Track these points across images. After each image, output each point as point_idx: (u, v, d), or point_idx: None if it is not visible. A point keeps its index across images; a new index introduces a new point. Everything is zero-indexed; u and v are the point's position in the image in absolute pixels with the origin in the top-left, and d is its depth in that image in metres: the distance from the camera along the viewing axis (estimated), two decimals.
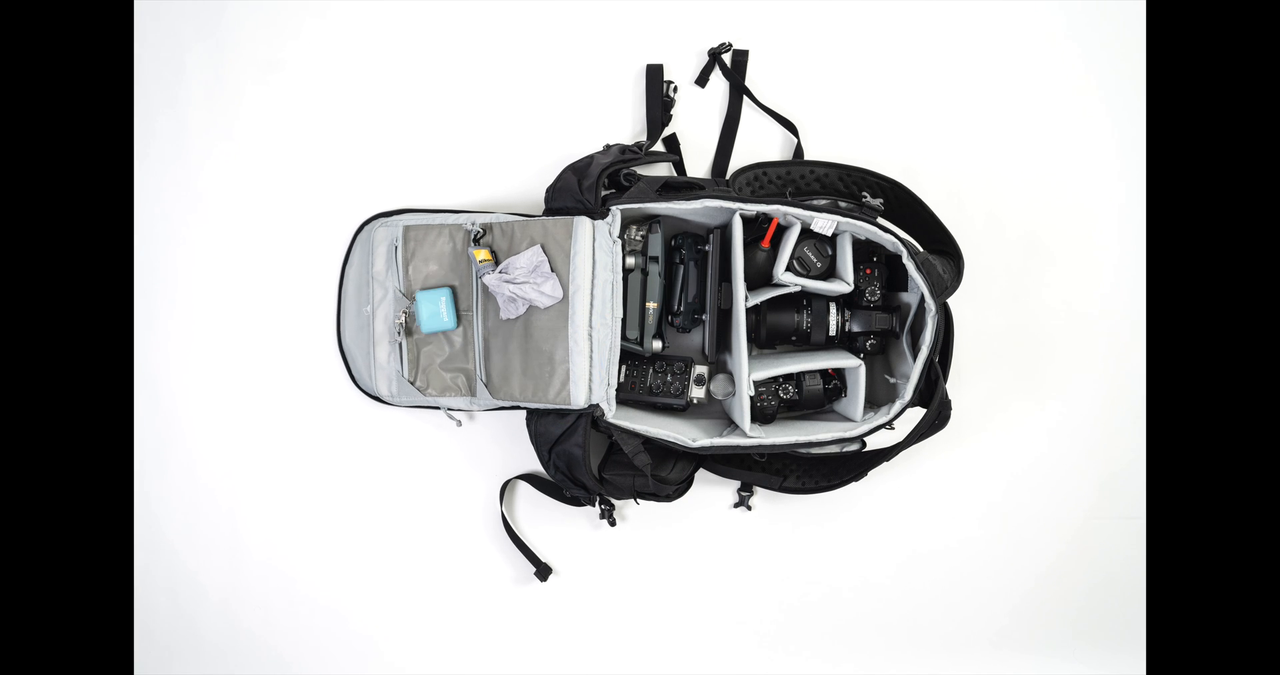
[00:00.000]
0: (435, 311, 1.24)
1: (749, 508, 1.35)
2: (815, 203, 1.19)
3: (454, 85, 1.37)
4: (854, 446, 1.22)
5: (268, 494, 1.42)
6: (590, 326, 1.18)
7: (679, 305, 1.25)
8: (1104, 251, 1.35)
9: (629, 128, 1.36)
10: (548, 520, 1.39)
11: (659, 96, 1.34)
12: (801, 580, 1.39)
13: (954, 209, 1.26)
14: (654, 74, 1.34)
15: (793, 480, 1.29)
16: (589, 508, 1.35)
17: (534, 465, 1.26)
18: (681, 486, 1.26)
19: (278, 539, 1.42)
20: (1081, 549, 1.37)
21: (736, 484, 1.35)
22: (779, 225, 1.21)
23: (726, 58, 1.34)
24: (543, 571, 1.37)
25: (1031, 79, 1.35)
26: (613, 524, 1.30)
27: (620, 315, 1.19)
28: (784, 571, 1.38)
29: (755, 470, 1.30)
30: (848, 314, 1.23)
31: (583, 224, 1.18)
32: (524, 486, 1.37)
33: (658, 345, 1.26)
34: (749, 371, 1.18)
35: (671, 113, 1.35)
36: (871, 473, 1.24)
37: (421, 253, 1.26)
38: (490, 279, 1.18)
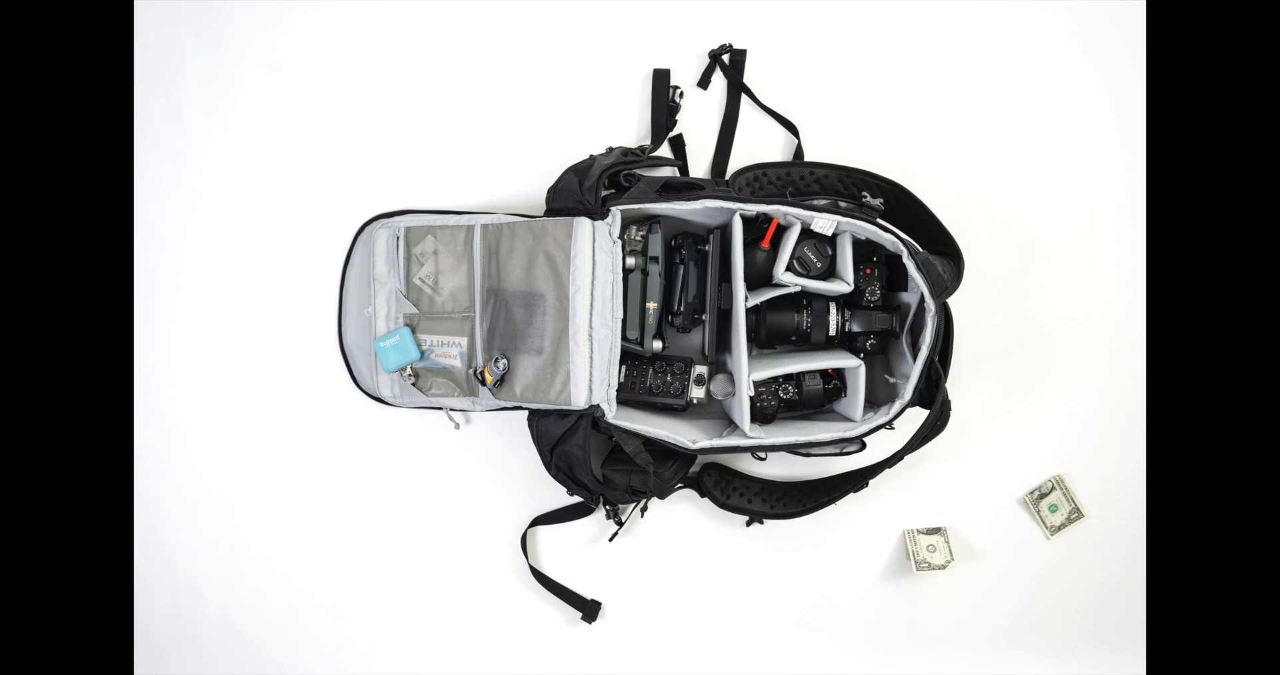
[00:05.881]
0: (402, 347, 1.28)
1: (761, 522, 1.34)
2: (815, 203, 1.20)
3: (456, 86, 1.38)
4: (854, 447, 1.22)
5: (268, 495, 1.42)
6: (590, 327, 1.19)
7: (679, 305, 1.25)
8: (1104, 251, 1.35)
9: (633, 131, 1.36)
10: (561, 545, 1.39)
11: (664, 101, 1.34)
12: (803, 580, 1.39)
13: (954, 209, 1.26)
14: (660, 78, 1.34)
15: (794, 504, 1.31)
16: (589, 519, 1.35)
17: (535, 465, 1.26)
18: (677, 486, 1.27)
19: (278, 541, 1.42)
20: (1081, 549, 1.37)
21: None
22: (779, 225, 1.21)
23: (726, 59, 1.35)
24: (590, 612, 1.37)
25: (1031, 80, 1.35)
26: (620, 524, 1.30)
27: (620, 315, 1.19)
28: (785, 572, 1.38)
29: (756, 505, 1.32)
30: (848, 314, 1.23)
31: (583, 224, 1.18)
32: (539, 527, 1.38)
33: (658, 345, 1.26)
34: (749, 371, 1.18)
35: (676, 118, 1.35)
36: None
37: (423, 254, 1.26)
38: None
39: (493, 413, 1.36)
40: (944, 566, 1.33)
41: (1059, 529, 1.34)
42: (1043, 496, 1.33)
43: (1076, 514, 1.33)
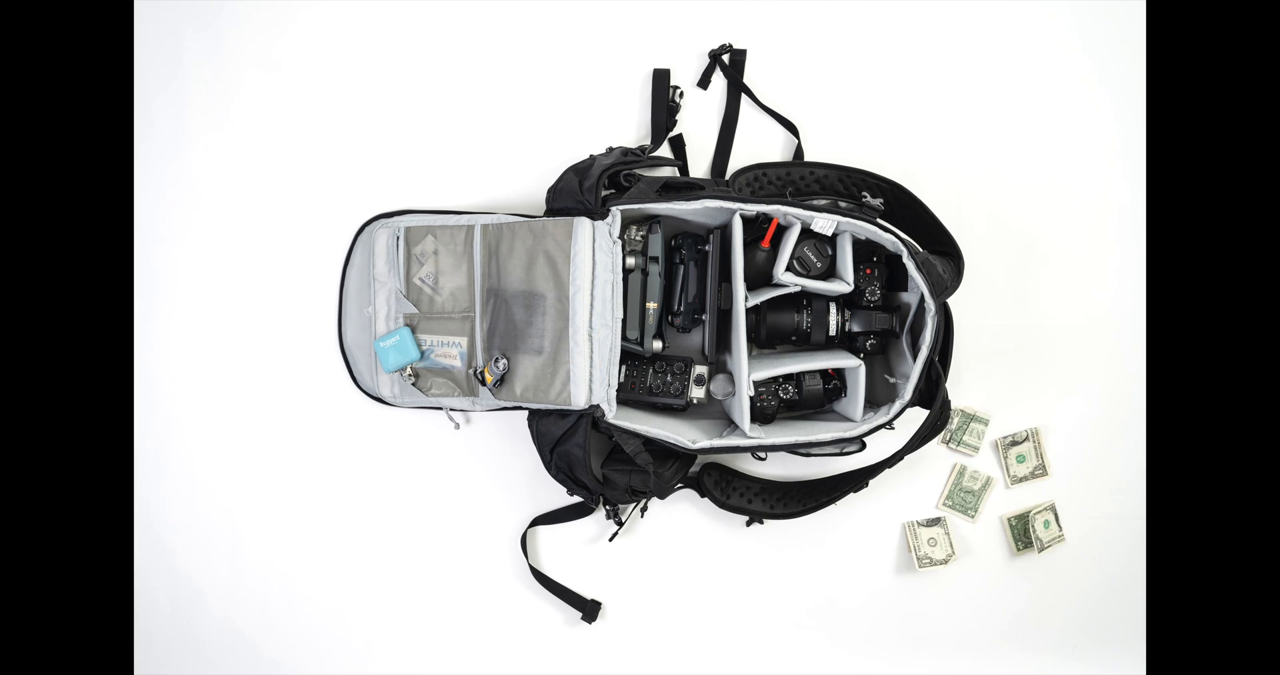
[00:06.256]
0: (402, 347, 1.27)
1: (761, 522, 1.34)
2: (815, 203, 1.20)
3: (456, 86, 1.38)
4: (854, 447, 1.22)
5: (268, 495, 1.42)
6: (590, 327, 1.19)
7: (679, 305, 1.25)
8: (1104, 252, 1.35)
9: (633, 131, 1.36)
10: (561, 545, 1.40)
11: (664, 101, 1.34)
12: (803, 581, 1.39)
13: (954, 209, 1.26)
14: (660, 78, 1.34)
15: (794, 504, 1.31)
16: (589, 519, 1.36)
17: (535, 465, 1.26)
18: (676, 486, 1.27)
19: (278, 541, 1.42)
20: (1081, 549, 1.37)
21: None
22: (779, 225, 1.21)
23: (726, 59, 1.35)
24: (590, 612, 1.36)
25: (1031, 79, 1.35)
26: (620, 524, 1.30)
27: (620, 315, 1.19)
28: (785, 572, 1.38)
29: (756, 505, 1.32)
30: (848, 314, 1.23)
31: (583, 224, 1.18)
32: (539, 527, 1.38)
33: (658, 345, 1.26)
34: (749, 371, 1.18)
35: (676, 118, 1.35)
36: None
37: (423, 254, 1.26)
38: None
39: (493, 413, 1.36)
40: (945, 561, 1.33)
41: (1020, 480, 1.34)
42: (1015, 444, 1.33)
43: (1041, 471, 1.33)
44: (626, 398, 1.24)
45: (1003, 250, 1.35)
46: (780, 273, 1.19)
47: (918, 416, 1.18)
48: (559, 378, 1.19)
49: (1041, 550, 1.34)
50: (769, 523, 1.34)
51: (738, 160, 1.35)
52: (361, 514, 1.41)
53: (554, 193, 1.23)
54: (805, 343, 1.26)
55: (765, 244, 1.23)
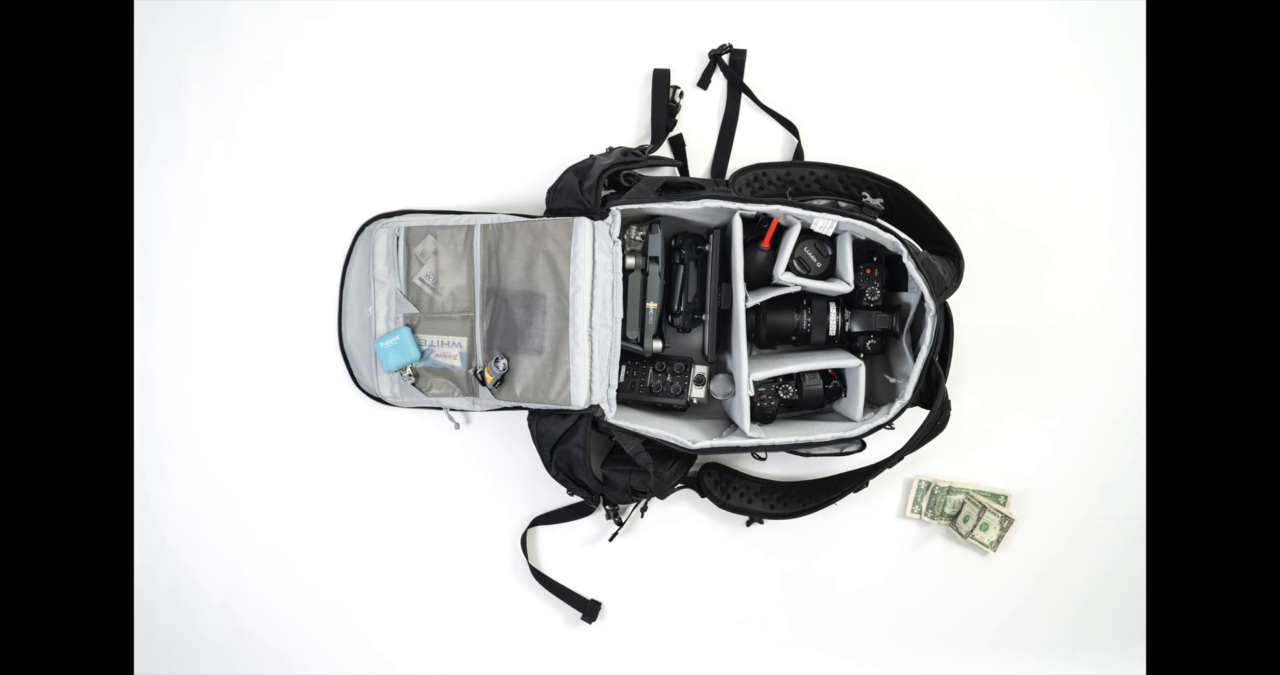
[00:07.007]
0: (402, 347, 1.27)
1: (761, 522, 1.34)
2: (815, 203, 1.20)
3: (456, 86, 1.38)
4: (854, 447, 1.22)
5: (268, 495, 1.42)
6: (590, 327, 1.19)
7: (679, 305, 1.25)
8: (1104, 251, 1.35)
9: (633, 131, 1.36)
10: (561, 545, 1.40)
11: (664, 101, 1.34)
12: (803, 581, 1.39)
13: (954, 209, 1.26)
14: (660, 78, 1.34)
15: (794, 504, 1.31)
16: (589, 519, 1.36)
17: (535, 465, 1.26)
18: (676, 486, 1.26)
19: (278, 541, 1.42)
20: (1081, 549, 1.37)
21: None
22: (779, 225, 1.21)
23: (726, 59, 1.35)
24: (590, 612, 1.36)
25: (1031, 79, 1.35)
26: (620, 524, 1.30)
27: (620, 315, 1.19)
28: (785, 572, 1.38)
29: (756, 505, 1.32)
30: (848, 314, 1.23)
31: (583, 224, 1.18)
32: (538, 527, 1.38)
33: (658, 345, 1.26)
34: (749, 371, 1.18)
35: (676, 118, 1.35)
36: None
37: (423, 254, 1.26)
38: None
39: (493, 413, 1.36)
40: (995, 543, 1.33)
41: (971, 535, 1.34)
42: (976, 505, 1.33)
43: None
44: (626, 398, 1.24)
45: (1003, 249, 1.35)
46: (780, 273, 1.19)
47: (918, 416, 1.18)
48: (559, 378, 1.19)
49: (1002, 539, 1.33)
50: (769, 523, 1.34)
51: (738, 160, 1.35)
52: (361, 513, 1.41)
53: (554, 193, 1.23)
54: (805, 343, 1.26)
55: (765, 244, 1.23)
